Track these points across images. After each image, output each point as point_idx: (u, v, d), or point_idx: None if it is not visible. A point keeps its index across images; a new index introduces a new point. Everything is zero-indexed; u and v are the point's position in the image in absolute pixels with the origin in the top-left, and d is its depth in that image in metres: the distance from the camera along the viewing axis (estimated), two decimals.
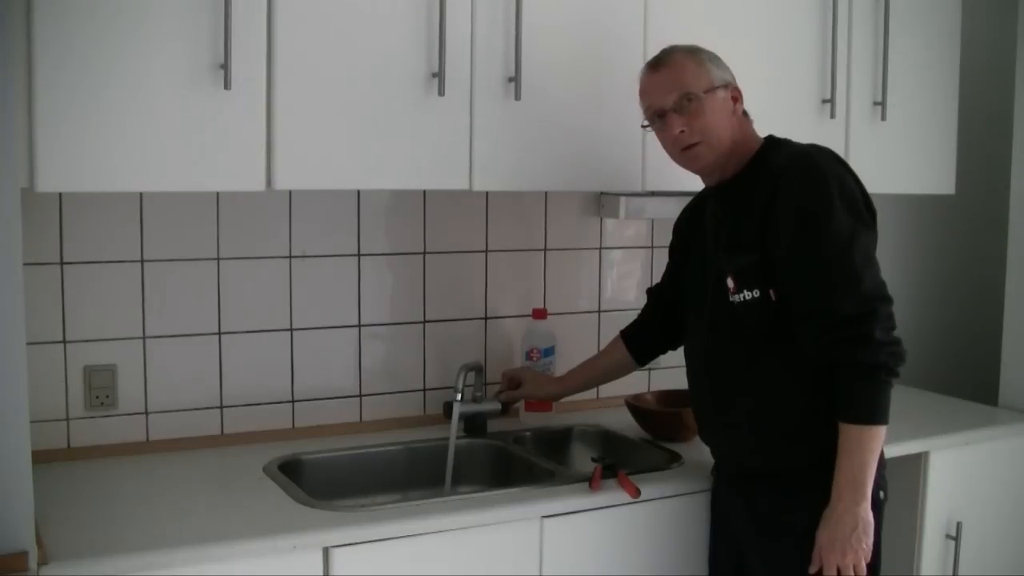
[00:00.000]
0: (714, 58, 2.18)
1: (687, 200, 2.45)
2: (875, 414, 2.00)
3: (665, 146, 2.21)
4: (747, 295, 2.08)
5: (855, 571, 2.01)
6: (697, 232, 2.31)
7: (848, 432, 2.00)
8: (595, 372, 2.62)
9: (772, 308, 2.06)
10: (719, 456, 2.29)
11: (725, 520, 2.27)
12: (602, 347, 2.88)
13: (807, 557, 2.05)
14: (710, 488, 2.33)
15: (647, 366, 2.62)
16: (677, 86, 2.13)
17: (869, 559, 2.03)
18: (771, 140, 2.18)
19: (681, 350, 2.36)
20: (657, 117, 2.17)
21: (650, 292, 2.57)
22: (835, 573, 2.01)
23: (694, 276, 2.28)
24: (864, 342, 1.97)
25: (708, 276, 2.19)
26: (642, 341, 2.53)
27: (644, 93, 2.21)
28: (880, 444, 2.02)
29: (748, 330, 2.09)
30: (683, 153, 2.16)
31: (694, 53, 2.17)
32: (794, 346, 2.05)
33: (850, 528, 1.99)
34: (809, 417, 2.08)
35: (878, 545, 2.13)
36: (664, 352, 2.55)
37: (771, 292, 2.05)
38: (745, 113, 2.20)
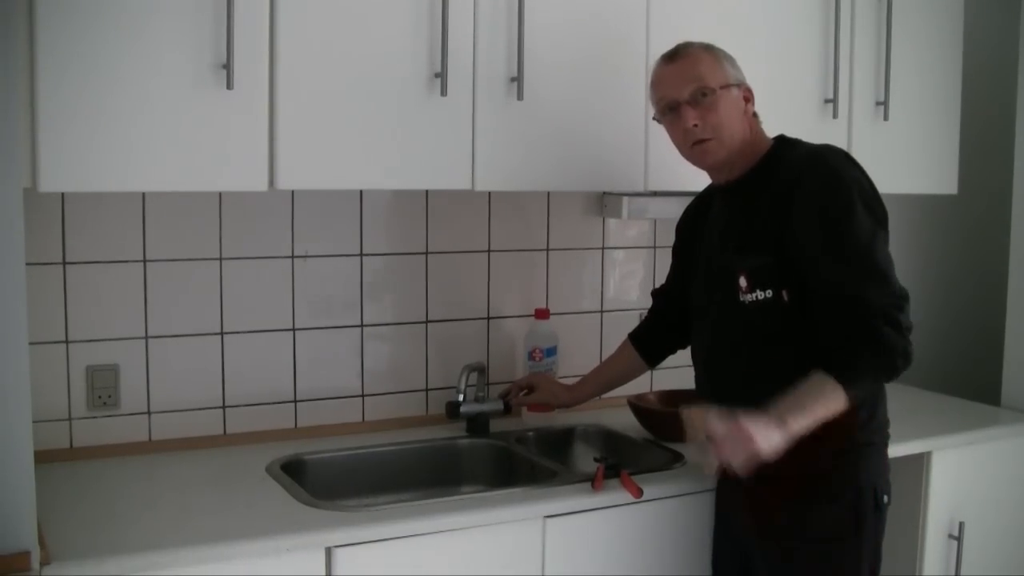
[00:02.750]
0: (728, 57, 2.18)
1: (690, 200, 2.45)
2: (857, 385, 1.96)
3: (675, 141, 2.20)
4: (759, 295, 2.07)
5: (732, 466, 1.94)
6: (701, 232, 2.31)
7: (824, 382, 1.94)
8: (608, 377, 2.62)
9: (783, 309, 2.05)
10: None
11: (729, 521, 2.27)
12: (605, 347, 2.90)
13: (811, 559, 2.05)
14: (713, 488, 2.32)
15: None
16: (693, 79, 2.12)
17: (743, 474, 1.95)
18: (782, 140, 2.18)
19: (686, 350, 2.36)
20: (669, 110, 2.16)
21: (655, 294, 2.57)
22: (722, 457, 1.94)
23: (698, 276, 2.28)
24: (894, 325, 1.95)
25: (714, 275, 2.19)
26: (651, 342, 2.54)
27: (658, 85, 2.20)
28: (832, 413, 1.96)
29: (756, 330, 2.09)
30: (693, 148, 2.15)
31: (710, 49, 2.17)
32: (801, 347, 2.04)
33: (763, 434, 1.92)
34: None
35: (879, 548, 2.14)
36: (674, 351, 2.55)
37: (783, 293, 2.05)
38: (755, 114, 2.20)
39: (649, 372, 2.67)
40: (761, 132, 2.20)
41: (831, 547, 2.10)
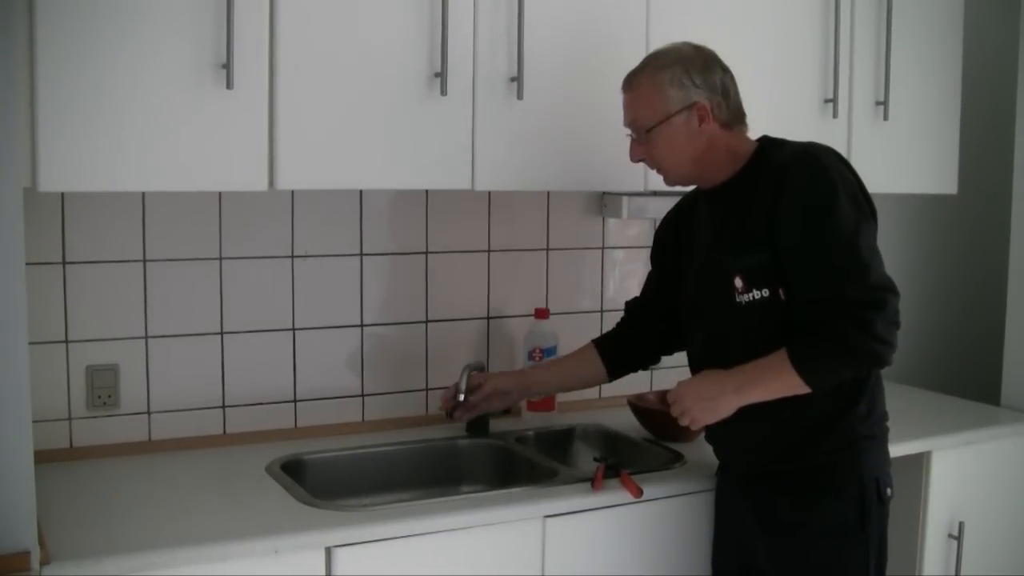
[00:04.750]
0: (682, 76, 2.11)
1: None
2: (813, 379, 2.00)
3: None
4: (756, 295, 2.07)
5: (680, 420, 2.12)
6: (687, 235, 2.30)
7: (784, 364, 2.00)
8: (563, 378, 2.53)
9: (780, 307, 2.05)
10: (725, 456, 2.29)
11: (730, 521, 2.27)
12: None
13: (818, 555, 2.07)
14: (713, 488, 2.32)
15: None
16: (633, 118, 2.18)
17: (695, 429, 2.18)
18: (768, 140, 2.18)
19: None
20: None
21: (629, 306, 2.51)
22: (674, 411, 2.12)
23: (689, 280, 2.26)
24: (860, 325, 1.95)
25: (708, 278, 2.18)
26: (618, 355, 2.46)
27: (622, 108, 2.24)
28: (791, 392, 2.02)
29: (754, 331, 2.08)
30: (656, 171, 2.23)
31: (659, 72, 2.12)
32: None
33: (711, 396, 2.06)
34: (815, 417, 2.08)
35: (884, 542, 2.14)
36: (636, 370, 2.50)
37: (780, 291, 2.05)
38: (738, 118, 2.17)
39: (650, 371, 2.66)
40: (737, 137, 2.17)
41: (838, 542, 2.10)
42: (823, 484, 2.08)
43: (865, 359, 1.99)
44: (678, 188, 2.48)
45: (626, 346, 2.47)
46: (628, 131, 2.21)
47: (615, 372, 2.48)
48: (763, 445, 2.15)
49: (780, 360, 2.01)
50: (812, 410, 2.07)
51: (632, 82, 2.19)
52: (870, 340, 1.95)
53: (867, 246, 2.01)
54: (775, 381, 2.02)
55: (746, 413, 2.10)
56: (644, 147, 2.17)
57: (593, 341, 2.50)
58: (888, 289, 1.99)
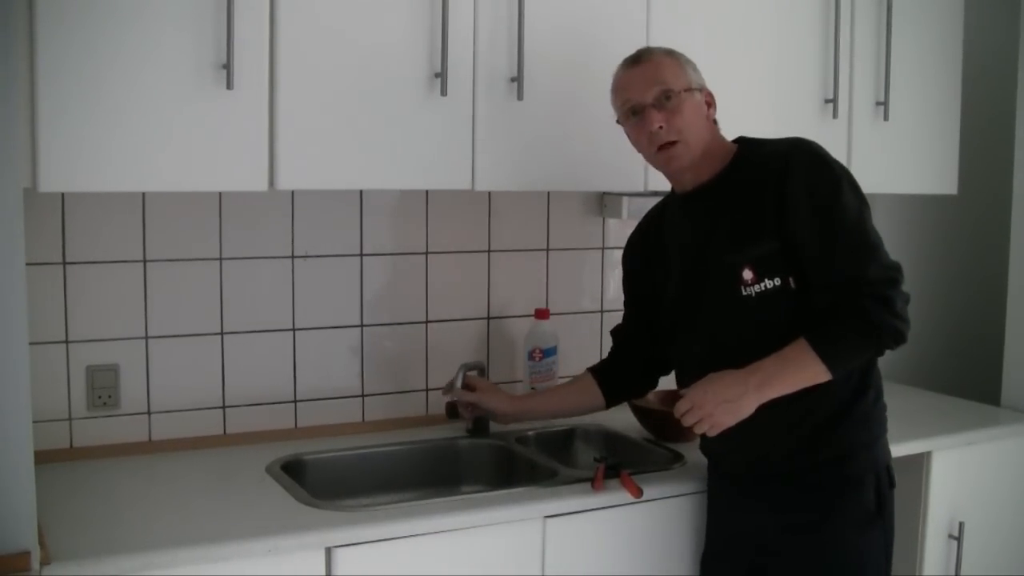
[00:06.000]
0: (690, 62, 2.19)
1: None
2: (836, 364, 2.02)
3: (639, 145, 2.20)
4: (768, 284, 2.07)
5: (697, 428, 2.07)
6: (658, 251, 2.30)
7: (805, 353, 2.01)
8: (560, 406, 2.53)
9: (790, 297, 2.06)
10: (731, 461, 2.24)
11: (737, 525, 2.23)
12: (605, 347, 2.88)
13: (841, 549, 2.09)
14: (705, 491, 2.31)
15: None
16: (657, 81, 2.13)
17: (712, 435, 2.09)
18: (746, 139, 2.20)
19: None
20: (633, 114, 2.16)
21: (615, 334, 2.50)
22: (689, 419, 2.07)
23: (671, 288, 2.25)
24: (882, 302, 2.00)
25: (701, 278, 2.16)
26: (615, 383, 2.45)
27: (620, 88, 2.20)
28: (812, 382, 2.03)
29: (763, 323, 2.07)
30: (659, 152, 2.15)
31: (672, 54, 2.18)
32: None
33: (732, 397, 2.03)
34: (830, 408, 2.08)
35: (893, 528, 2.17)
36: (634, 396, 2.54)
37: (790, 280, 2.06)
38: (715, 121, 2.20)
39: None
40: (722, 137, 2.21)
41: (859, 531, 2.12)
42: (845, 477, 2.10)
43: (889, 335, 2.03)
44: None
45: (621, 374, 2.46)
46: (633, 104, 2.14)
47: (612, 400, 2.48)
48: (779, 443, 2.13)
49: (800, 349, 2.02)
50: (827, 401, 2.08)
51: (646, 57, 2.17)
52: (892, 317, 2.01)
53: (872, 229, 2.07)
54: (797, 372, 2.03)
55: (761, 411, 2.07)
56: (665, 114, 2.12)
57: (590, 369, 2.50)
58: (898, 268, 2.05)
